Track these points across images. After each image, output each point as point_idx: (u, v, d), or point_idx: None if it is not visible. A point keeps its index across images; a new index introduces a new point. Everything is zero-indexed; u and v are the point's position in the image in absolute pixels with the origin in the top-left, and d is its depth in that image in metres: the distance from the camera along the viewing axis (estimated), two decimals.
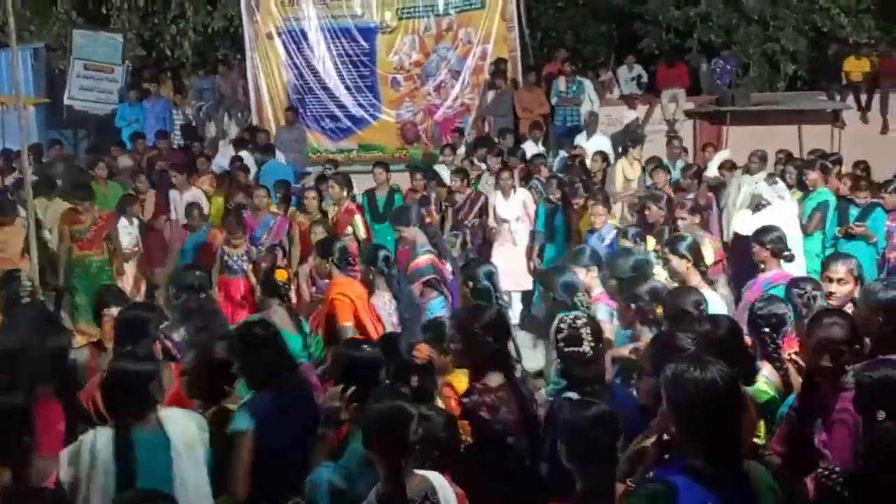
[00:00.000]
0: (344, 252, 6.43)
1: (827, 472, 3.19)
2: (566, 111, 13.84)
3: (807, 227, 8.86)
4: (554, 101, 13.87)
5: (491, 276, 5.78)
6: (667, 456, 3.05)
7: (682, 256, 5.96)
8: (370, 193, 10.49)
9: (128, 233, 10.04)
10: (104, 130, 14.97)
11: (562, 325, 4.42)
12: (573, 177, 9.99)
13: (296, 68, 14.57)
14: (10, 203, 9.20)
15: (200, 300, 5.86)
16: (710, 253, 6.88)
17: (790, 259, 6.21)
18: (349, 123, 14.60)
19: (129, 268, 9.86)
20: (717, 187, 11.01)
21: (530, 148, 12.44)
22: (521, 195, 10.10)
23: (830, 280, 5.31)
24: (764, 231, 6.31)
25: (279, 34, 14.55)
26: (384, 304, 6.35)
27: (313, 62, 14.52)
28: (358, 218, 9.42)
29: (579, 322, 4.43)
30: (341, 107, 14.55)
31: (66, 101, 15.35)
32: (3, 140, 13.31)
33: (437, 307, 6.41)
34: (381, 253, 6.49)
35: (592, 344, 4.31)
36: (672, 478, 2.72)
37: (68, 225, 9.26)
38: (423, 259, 6.79)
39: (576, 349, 4.28)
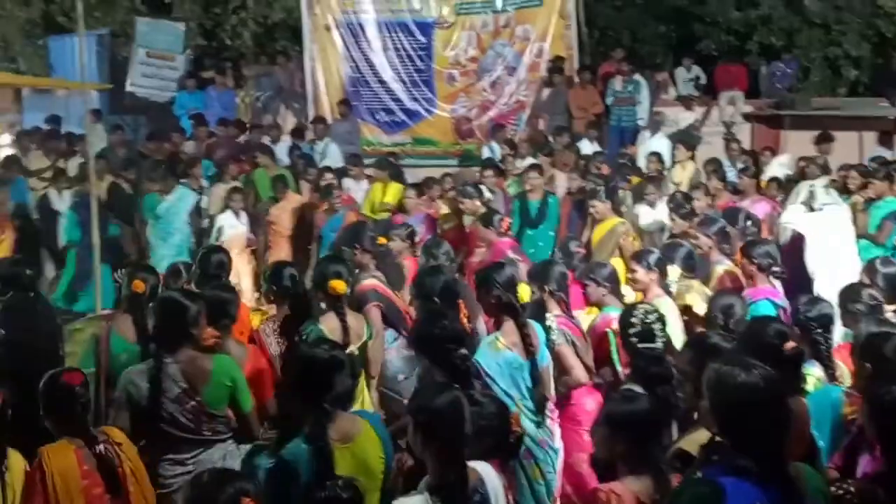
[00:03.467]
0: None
1: (844, 488, 3.17)
2: (621, 111, 13.75)
3: (878, 237, 8.65)
4: (609, 100, 13.77)
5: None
6: (715, 457, 3.04)
7: (649, 269, 5.70)
8: (522, 198, 9.69)
9: (231, 226, 9.95)
10: (162, 117, 15.20)
11: (633, 321, 4.30)
12: (595, 180, 9.59)
13: (353, 61, 14.66)
14: (284, 183, 9.68)
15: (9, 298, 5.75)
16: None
17: (778, 275, 5.84)
18: (404, 117, 14.65)
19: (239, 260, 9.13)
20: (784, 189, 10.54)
21: (585, 147, 12.36)
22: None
23: None
24: (752, 245, 6.00)
25: (337, 27, 14.66)
26: None
27: (370, 55, 14.59)
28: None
29: (651, 317, 4.32)
30: (396, 100, 14.60)
31: (129, 88, 15.62)
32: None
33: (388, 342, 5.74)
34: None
35: (664, 340, 4.22)
36: (719, 479, 2.72)
37: None
38: (366, 283, 6.02)
39: (649, 345, 4.19)
